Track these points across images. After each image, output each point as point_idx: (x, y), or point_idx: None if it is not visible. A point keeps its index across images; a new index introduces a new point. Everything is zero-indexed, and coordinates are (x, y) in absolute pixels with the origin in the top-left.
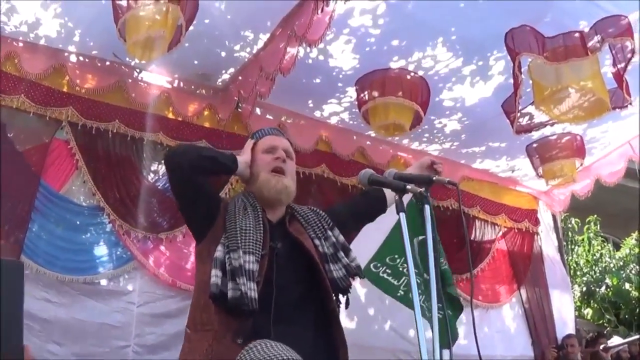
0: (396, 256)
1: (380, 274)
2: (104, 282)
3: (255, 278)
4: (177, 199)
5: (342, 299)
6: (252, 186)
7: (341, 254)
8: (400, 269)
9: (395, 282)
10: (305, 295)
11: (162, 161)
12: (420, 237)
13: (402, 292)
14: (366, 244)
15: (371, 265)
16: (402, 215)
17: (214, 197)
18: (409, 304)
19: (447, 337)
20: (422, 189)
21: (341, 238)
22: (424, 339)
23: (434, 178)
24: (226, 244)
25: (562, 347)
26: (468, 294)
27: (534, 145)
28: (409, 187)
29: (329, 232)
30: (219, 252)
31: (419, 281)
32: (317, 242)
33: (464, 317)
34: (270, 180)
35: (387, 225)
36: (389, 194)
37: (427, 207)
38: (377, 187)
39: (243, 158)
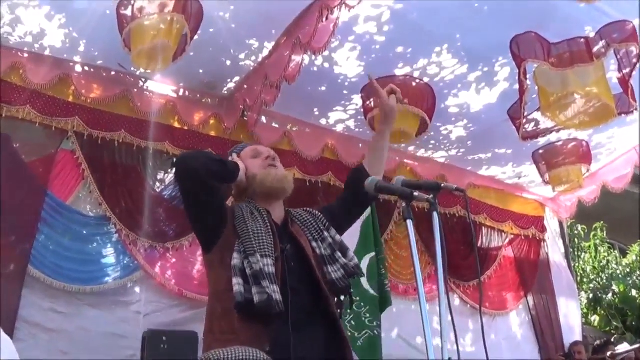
0: None
1: None
2: (110, 291)
3: (276, 280)
4: (188, 207)
5: (345, 300)
6: (252, 187)
7: (338, 254)
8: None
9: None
10: (316, 296)
11: (173, 168)
12: (371, 254)
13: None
14: None
15: None
16: (410, 222)
17: (224, 204)
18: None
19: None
20: (430, 196)
21: (338, 237)
22: (432, 347)
23: (442, 185)
24: (242, 249)
25: (570, 354)
26: (475, 301)
27: (540, 151)
28: (416, 194)
29: (325, 233)
30: (236, 259)
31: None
32: (314, 244)
33: (471, 325)
34: (269, 173)
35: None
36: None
37: (435, 215)
38: (359, 175)
39: (241, 165)
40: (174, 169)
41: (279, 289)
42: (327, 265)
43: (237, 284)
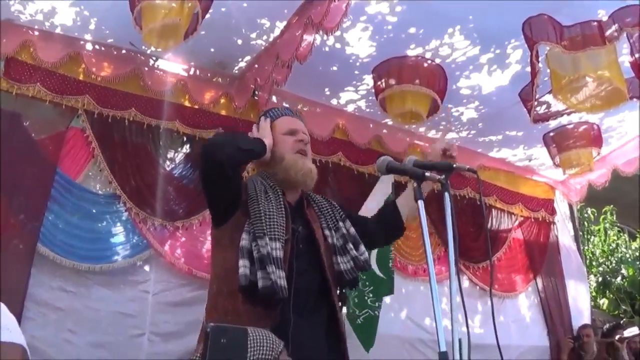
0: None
1: None
2: (119, 270)
3: (282, 265)
4: (206, 189)
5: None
6: (275, 168)
7: (350, 245)
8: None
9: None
10: (323, 282)
11: (201, 155)
12: None
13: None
14: None
15: None
16: (421, 203)
17: (241, 185)
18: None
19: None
20: (442, 177)
21: (352, 230)
22: (442, 328)
23: (454, 165)
24: (251, 230)
25: (578, 337)
26: (485, 283)
27: (551, 134)
28: (427, 174)
29: (340, 224)
30: (245, 240)
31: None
32: (327, 232)
33: (480, 306)
34: (297, 162)
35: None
36: (406, 210)
37: (446, 195)
38: (395, 210)
39: (267, 141)
40: (200, 156)
41: (286, 273)
42: (337, 256)
43: (243, 266)
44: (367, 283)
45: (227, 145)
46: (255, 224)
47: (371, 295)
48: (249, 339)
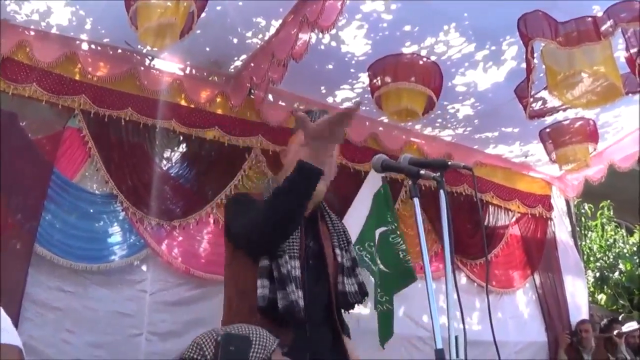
0: (372, 243)
1: (364, 257)
2: (117, 270)
3: (301, 285)
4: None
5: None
6: None
7: (359, 270)
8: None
9: (374, 267)
10: (329, 299)
11: (245, 247)
12: (383, 229)
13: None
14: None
15: (356, 247)
16: (416, 200)
17: None
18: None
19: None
20: (437, 174)
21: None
22: (438, 325)
23: (450, 163)
24: None
25: (576, 332)
26: (482, 280)
27: (547, 130)
28: (422, 172)
29: (351, 247)
30: (264, 259)
31: (374, 269)
32: (337, 251)
33: (478, 303)
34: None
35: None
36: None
37: (441, 193)
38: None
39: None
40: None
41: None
42: (345, 276)
43: (261, 286)
44: (371, 278)
45: (270, 230)
46: None
47: (379, 290)
48: (252, 343)
